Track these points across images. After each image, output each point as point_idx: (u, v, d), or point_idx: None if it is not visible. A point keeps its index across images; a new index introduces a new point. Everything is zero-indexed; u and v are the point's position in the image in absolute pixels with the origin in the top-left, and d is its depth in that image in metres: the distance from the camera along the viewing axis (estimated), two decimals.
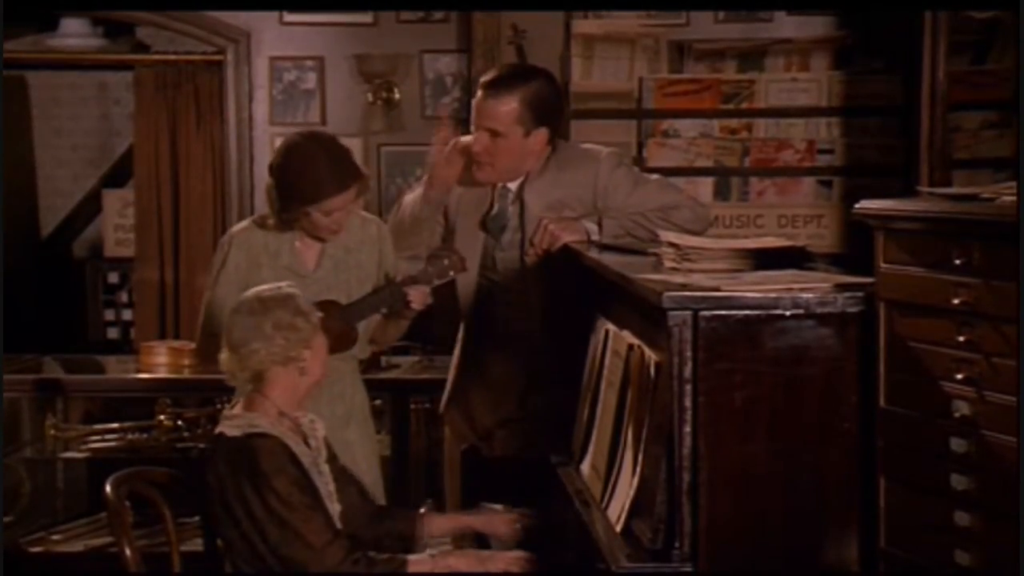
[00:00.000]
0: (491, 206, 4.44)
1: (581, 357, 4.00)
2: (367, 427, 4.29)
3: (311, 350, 3.58)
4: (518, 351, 4.38)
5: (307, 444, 3.63)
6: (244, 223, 4.28)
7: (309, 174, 3.98)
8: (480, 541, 3.84)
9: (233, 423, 3.56)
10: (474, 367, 4.50)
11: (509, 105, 4.29)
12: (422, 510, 3.82)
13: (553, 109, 4.43)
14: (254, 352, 3.53)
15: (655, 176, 4.56)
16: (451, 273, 4.21)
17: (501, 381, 4.42)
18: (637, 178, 4.48)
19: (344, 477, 3.72)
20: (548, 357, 4.31)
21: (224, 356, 3.59)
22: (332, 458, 3.70)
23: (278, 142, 7.44)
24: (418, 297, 4.14)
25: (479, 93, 4.35)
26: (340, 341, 3.99)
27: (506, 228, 4.42)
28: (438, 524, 3.80)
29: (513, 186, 4.42)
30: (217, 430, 3.60)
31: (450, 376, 4.60)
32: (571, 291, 4.29)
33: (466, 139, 4.42)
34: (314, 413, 3.72)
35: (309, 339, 3.57)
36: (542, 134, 4.35)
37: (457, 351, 4.58)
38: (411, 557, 3.56)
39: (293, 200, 4.00)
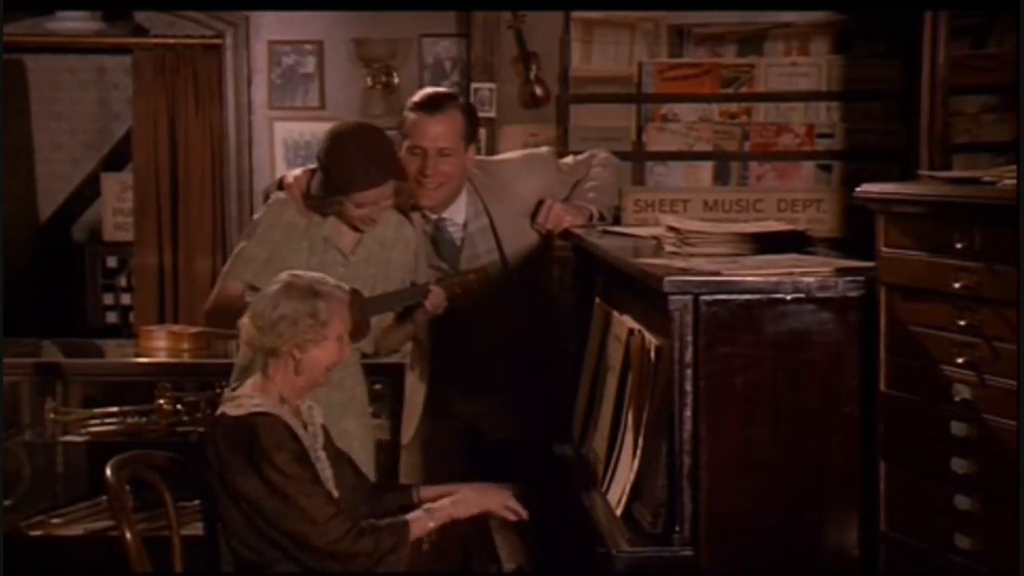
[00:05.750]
0: (434, 242, 4.34)
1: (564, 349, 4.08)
2: (365, 418, 4.30)
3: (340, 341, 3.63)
4: (500, 355, 4.37)
5: (304, 430, 3.64)
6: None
7: (343, 165, 4.01)
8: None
9: (235, 403, 3.58)
10: (454, 387, 4.45)
11: (456, 119, 4.21)
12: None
13: (478, 126, 4.41)
14: (291, 332, 3.55)
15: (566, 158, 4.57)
16: (475, 286, 4.17)
17: (488, 384, 4.40)
18: (563, 163, 4.51)
19: (340, 461, 3.73)
20: (529, 352, 4.37)
21: (248, 325, 3.59)
22: (328, 444, 3.70)
23: (277, 126, 7.60)
24: (434, 300, 4.13)
25: (418, 115, 4.20)
26: (353, 331, 3.98)
27: (459, 258, 4.33)
28: (430, 496, 3.81)
29: (451, 214, 4.33)
30: (219, 411, 3.61)
31: (418, 406, 4.49)
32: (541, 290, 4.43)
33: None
34: (312, 400, 3.73)
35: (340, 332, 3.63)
36: (472, 151, 4.31)
37: (425, 386, 4.48)
38: (409, 516, 3.59)
39: (326, 188, 4.05)
